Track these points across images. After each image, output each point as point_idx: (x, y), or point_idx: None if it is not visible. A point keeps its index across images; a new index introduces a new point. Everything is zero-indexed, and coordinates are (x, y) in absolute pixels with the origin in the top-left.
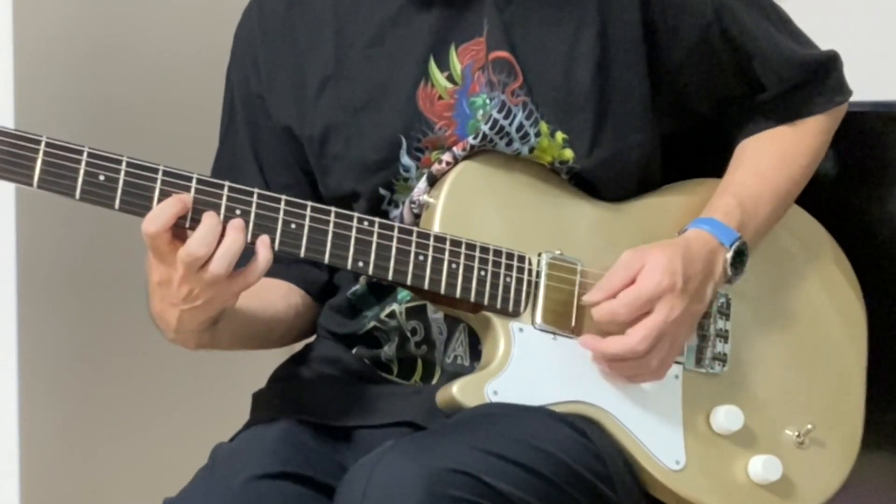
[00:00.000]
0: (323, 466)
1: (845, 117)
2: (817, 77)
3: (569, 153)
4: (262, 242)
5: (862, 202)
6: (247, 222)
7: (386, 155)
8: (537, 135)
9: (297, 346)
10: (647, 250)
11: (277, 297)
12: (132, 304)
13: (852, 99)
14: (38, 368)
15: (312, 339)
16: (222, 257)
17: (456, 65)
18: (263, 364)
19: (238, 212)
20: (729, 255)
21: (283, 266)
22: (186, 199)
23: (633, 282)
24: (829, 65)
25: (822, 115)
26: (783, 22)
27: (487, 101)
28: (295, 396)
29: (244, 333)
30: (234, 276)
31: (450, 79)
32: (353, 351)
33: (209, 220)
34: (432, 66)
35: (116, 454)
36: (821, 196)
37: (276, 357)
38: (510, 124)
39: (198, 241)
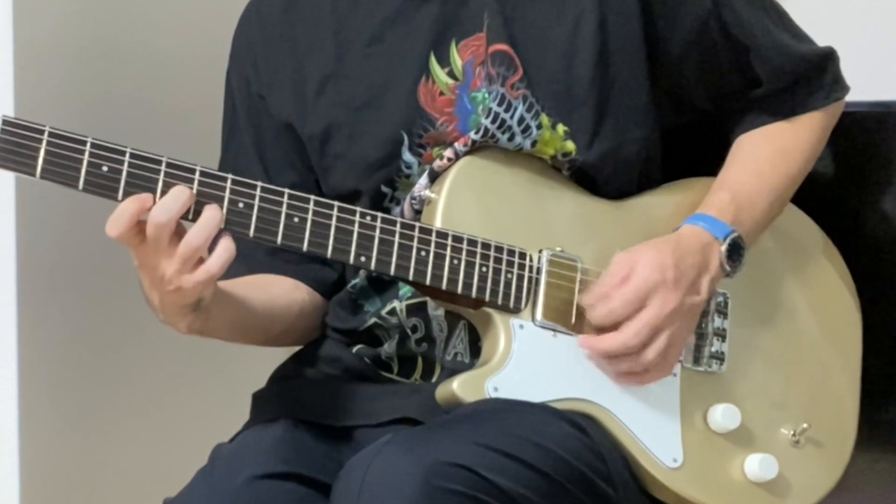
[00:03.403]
0: (323, 466)
1: (844, 117)
2: (815, 72)
3: (571, 145)
4: (227, 239)
5: (860, 202)
6: (250, 215)
7: (388, 152)
8: (539, 127)
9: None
10: (637, 250)
11: (281, 292)
12: (133, 304)
13: (851, 99)
14: (38, 368)
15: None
16: (197, 232)
17: (457, 60)
18: (264, 364)
19: (241, 204)
20: (723, 248)
21: (293, 264)
22: (146, 198)
23: (626, 281)
24: (826, 60)
25: (820, 111)
26: (781, 17)
27: (487, 95)
28: (295, 396)
29: (243, 324)
30: (197, 266)
31: (450, 74)
32: (354, 350)
33: (174, 191)
34: (433, 62)
35: (116, 454)
36: (819, 196)
37: (276, 357)
38: (511, 117)
39: (159, 208)
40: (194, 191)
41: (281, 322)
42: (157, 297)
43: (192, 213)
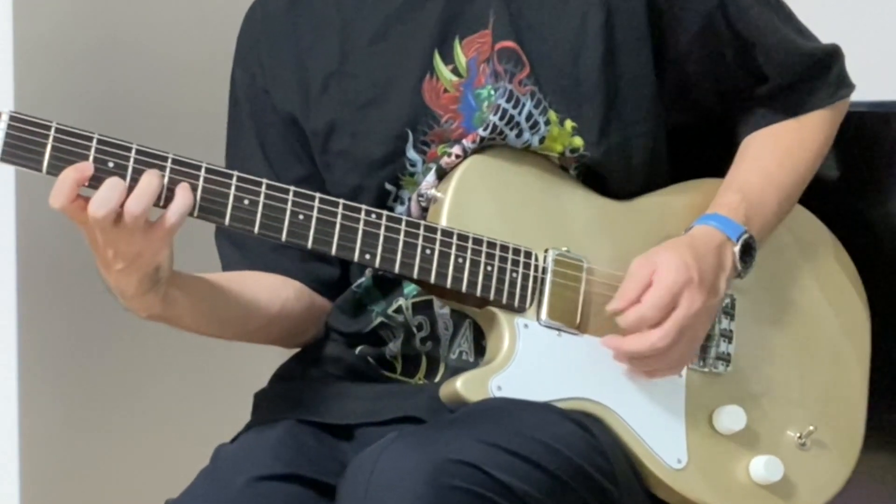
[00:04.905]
0: (325, 467)
1: (844, 117)
2: (820, 70)
3: (579, 141)
4: (182, 187)
5: (861, 202)
6: (255, 212)
7: (392, 149)
8: (547, 123)
9: None
10: (655, 253)
11: (261, 286)
12: None
13: (852, 99)
14: (38, 368)
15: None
16: (137, 197)
17: (461, 58)
18: (265, 364)
19: (246, 202)
20: (737, 248)
21: (292, 261)
22: (84, 166)
23: (650, 285)
24: (831, 58)
25: (826, 108)
26: (787, 15)
27: (493, 91)
28: (297, 396)
29: (211, 314)
30: (152, 225)
31: (455, 72)
32: (357, 350)
33: (109, 182)
34: (437, 59)
35: (117, 455)
36: (820, 196)
37: (278, 356)
38: (519, 114)
39: (96, 202)
40: (199, 188)
41: (258, 317)
42: (113, 278)
43: (164, 200)
